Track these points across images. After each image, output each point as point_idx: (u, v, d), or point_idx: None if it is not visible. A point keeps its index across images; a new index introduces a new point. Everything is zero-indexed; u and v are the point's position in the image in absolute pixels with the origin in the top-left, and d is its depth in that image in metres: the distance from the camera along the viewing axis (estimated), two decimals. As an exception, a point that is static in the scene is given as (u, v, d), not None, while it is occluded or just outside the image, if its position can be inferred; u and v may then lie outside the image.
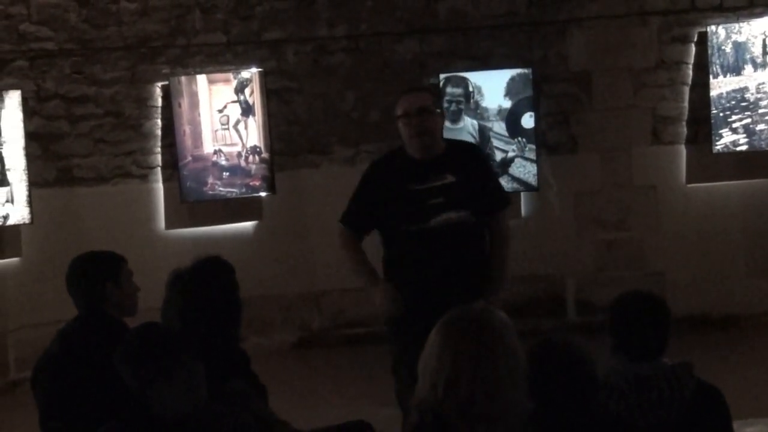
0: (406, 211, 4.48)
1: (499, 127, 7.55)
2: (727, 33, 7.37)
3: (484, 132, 7.54)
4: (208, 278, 3.50)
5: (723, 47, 7.37)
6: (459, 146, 4.78)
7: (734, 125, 7.40)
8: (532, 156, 7.54)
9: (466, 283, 4.44)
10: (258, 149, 7.56)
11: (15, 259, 7.15)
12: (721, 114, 7.39)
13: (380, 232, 4.68)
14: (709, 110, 7.39)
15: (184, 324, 3.38)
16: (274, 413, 3.53)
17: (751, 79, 7.38)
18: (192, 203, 7.56)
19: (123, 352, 2.98)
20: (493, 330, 2.47)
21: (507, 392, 2.43)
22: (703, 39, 7.47)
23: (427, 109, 4.54)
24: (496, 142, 7.43)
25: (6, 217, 6.96)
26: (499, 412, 2.42)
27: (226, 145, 7.55)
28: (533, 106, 7.55)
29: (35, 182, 7.13)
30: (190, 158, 7.49)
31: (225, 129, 7.55)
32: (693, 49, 7.58)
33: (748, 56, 7.37)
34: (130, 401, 2.99)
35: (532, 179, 7.53)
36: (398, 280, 4.56)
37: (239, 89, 7.53)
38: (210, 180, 7.53)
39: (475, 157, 4.74)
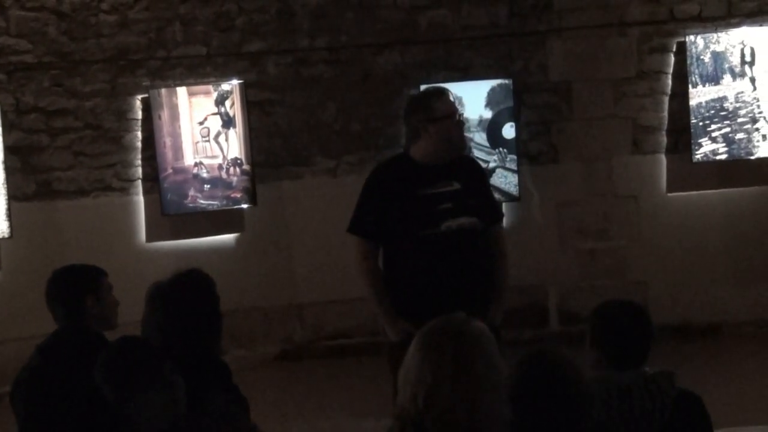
0: (415, 215, 4.45)
1: (480, 137, 7.57)
2: (705, 43, 7.42)
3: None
4: (187, 291, 3.49)
5: (702, 57, 7.42)
6: (461, 156, 4.79)
7: (713, 134, 7.45)
8: (513, 166, 7.56)
9: (474, 291, 4.43)
10: (239, 161, 7.55)
11: (-6, 273, 7.11)
12: (700, 123, 7.43)
13: (384, 239, 4.58)
14: (689, 120, 7.44)
15: (164, 337, 3.36)
16: (256, 426, 3.51)
17: (729, 88, 7.43)
18: (173, 216, 7.53)
19: (102, 365, 2.97)
20: (472, 340, 2.47)
21: (487, 402, 2.43)
22: (681, 49, 7.52)
23: (460, 114, 4.63)
24: (477, 153, 7.44)
25: (-15, 231, 6.92)
26: (479, 422, 2.42)
27: (207, 157, 7.54)
28: (514, 116, 7.57)
29: (14, 196, 7.09)
30: (170, 171, 7.46)
31: (206, 141, 7.53)
32: (672, 58, 7.62)
33: (726, 66, 7.42)
34: (110, 415, 2.97)
35: (513, 189, 7.55)
36: (405, 288, 4.51)
37: (220, 101, 7.52)
38: (191, 192, 7.51)
39: (475, 169, 4.77)
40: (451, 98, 4.64)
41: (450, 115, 4.51)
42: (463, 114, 4.77)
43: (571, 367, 2.89)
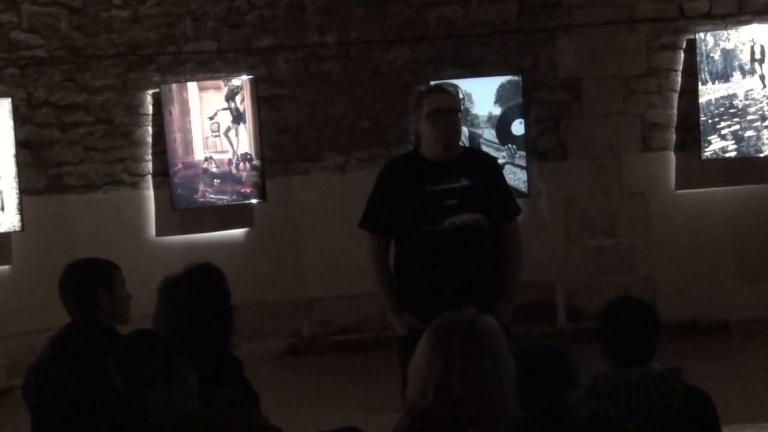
0: (421, 211, 4.48)
1: (489, 134, 7.58)
2: (715, 40, 7.41)
3: (474, 139, 7.56)
4: (200, 285, 3.51)
5: (711, 54, 7.42)
6: (474, 152, 4.83)
7: (723, 132, 7.45)
8: (522, 162, 7.57)
9: (478, 288, 4.44)
10: (249, 156, 7.57)
11: (5, 267, 7.13)
12: (709, 121, 7.43)
13: (394, 234, 4.65)
14: (698, 117, 7.43)
15: (176, 331, 3.39)
16: (266, 419, 3.54)
17: (739, 85, 7.42)
18: (183, 210, 7.56)
19: (115, 358, 2.99)
20: (482, 335, 2.49)
21: (496, 397, 2.45)
22: (691, 46, 7.51)
23: (455, 109, 4.62)
24: (486, 149, 7.43)
25: (-4, 225, 6.96)
26: (488, 417, 2.44)
27: (216, 152, 7.56)
28: (523, 112, 7.58)
29: (26, 190, 7.12)
30: (180, 165, 7.49)
31: (216, 136, 7.56)
32: (682, 56, 7.62)
33: (736, 63, 7.42)
34: (123, 408, 3.00)
35: (522, 186, 7.55)
36: (411, 283, 4.54)
37: (230, 96, 7.54)
38: (201, 187, 7.53)
39: (489, 165, 4.79)
40: (453, 94, 4.66)
41: (435, 112, 4.51)
42: (459, 109, 4.75)
43: (567, 360, 2.92)
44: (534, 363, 2.86)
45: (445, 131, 4.54)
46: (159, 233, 7.59)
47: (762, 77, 7.43)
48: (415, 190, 4.52)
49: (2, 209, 6.97)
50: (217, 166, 7.55)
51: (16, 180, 6.99)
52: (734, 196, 7.63)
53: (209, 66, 7.64)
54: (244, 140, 7.56)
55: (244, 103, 7.54)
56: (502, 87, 7.58)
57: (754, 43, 7.41)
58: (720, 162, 7.53)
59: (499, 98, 7.58)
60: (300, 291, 7.80)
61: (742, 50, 7.42)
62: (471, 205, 4.51)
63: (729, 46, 7.41)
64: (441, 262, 4.47)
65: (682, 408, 3.18)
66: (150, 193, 7.60)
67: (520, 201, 7.52)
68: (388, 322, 4.76)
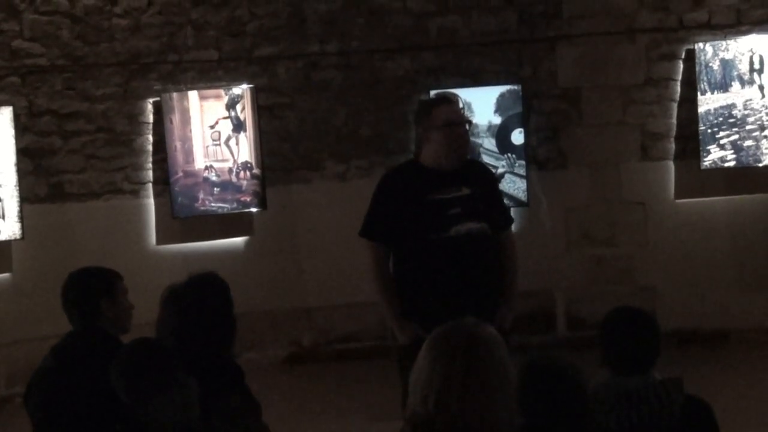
0: (425, 220, 4.49)
1: (489, 143, 7.60)
2: (714, 50, 7.44)
3: (474, 148, 7.57)
4: (203, 294, 3.51)
5: (710, 64, 7.44)
6: (471, 162, 4.83)
7: (722, 141, 7.47)
8: (522, 172, 7.59)
9: (482, 296, 4.46)
10: (249, 165, 7.59)
11: (6, 275, 7.14)
12: (709, 130, 7.45)
13: (395, 243, 4.62)
14: (697, 126, 7.45)
15: (178, 340, 3.39)
16: (267, 428, 3.55)
17: (738, 95, 7.45)
18: (183, 219, 7.57)
19: (118, 367, 3.00)
20: (483, 345, 2.49)
21: (497, 407, 2.46)
22: (690, 56, 7.54)
23: (466, 121, 4.66)
24: (486, 158, 7.46)
25: (-3, 233, 6.97)
26: (489, 427, 2.45)
27: (217, 161, 7.58)
28: (523, 122, 7.60)
29: (27, 198, 7.14)
30: (181, 174, 7.50)
31: (216, 145, 7.57)
32: (681, 66, 7.64)
33: (735, 73, 7.44)
34: (125, 417, 3.01)
35: (521, 195, 7.57)
36: (414, 292, 4.55)
37: (231, 105, 7.56)
38: (201, 196, 7.55)
39: (485, 174, 4.81)
40: (459, 105, 4.68)
41: (450, 123, 4.54)
42: (471, 120, 4.79)
43: (570, 370, 2.93)
44: (540, 374, 2.87)
45: (460, 143, 4.59)
46: (159, 242, 7.60)
47: (761, 87, 7.46)
48: (417, 199, 4.53)
49: (3, 217, 6.99)
50: (218, 175, 7.57)
51: (17, 188, 7.01)
52: (733, 205, 7.65)
53: (210, 75, 7.66)
54: (244, 149, 7.58)
55: (245, 111, 7.56)
56: (502, 96, 7.60)
57: (753, 53, 7.44)
58: (719, 171, 7.55)
59: (499, 107, 7.60)
60: (300, 299, 7.80)
61: (740, 60, 7.44)
62: (474, 214, 4.53)
63: (728, 56, 7.43)
64: (447, 271, 4.47)
65: (682, 418, 3.18)
66: (150, 201, 7.62)
67: (519, 210, 7.63)
68: (388, 331, 4.76)
